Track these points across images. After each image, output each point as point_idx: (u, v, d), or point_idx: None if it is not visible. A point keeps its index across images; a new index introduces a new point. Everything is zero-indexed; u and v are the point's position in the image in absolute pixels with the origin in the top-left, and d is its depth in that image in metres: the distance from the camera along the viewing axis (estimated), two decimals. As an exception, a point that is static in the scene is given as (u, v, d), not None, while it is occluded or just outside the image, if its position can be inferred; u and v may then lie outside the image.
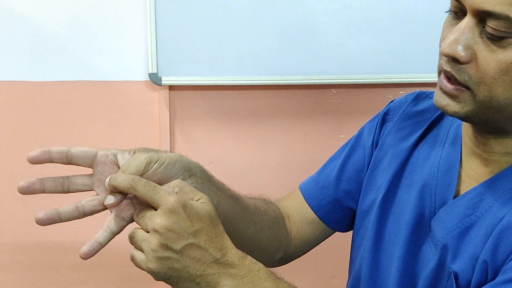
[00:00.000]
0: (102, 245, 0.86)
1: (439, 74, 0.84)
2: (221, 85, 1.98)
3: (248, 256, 0.83)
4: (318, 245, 1.18)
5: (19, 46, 1.90)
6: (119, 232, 0.87)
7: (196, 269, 0.80)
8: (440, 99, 0.84)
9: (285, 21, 1.93)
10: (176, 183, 0.84)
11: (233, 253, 0.82)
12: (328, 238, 1.18)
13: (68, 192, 0.88)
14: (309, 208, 1.12)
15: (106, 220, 0.87)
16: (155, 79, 1.91)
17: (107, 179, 0.84)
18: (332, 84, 2.04)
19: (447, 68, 0.81)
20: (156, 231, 0.79)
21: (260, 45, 1.93)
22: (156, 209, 0.81)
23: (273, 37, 1.93)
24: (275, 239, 1.09)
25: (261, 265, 0.84)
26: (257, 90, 2.02)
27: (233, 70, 1.94)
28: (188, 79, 1.94)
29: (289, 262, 1.14)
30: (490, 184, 0.87)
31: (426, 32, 1.96)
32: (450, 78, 0.82)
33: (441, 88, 0.84)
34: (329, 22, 1.94)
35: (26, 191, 0.85)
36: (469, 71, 0.80)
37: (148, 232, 0.80)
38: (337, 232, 1.17)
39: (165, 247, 0.79)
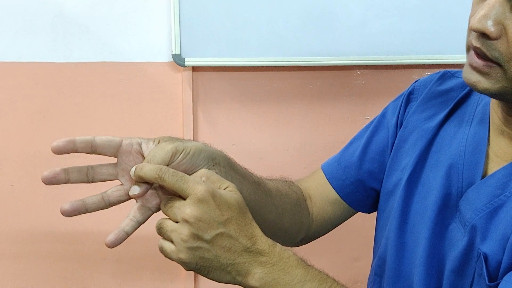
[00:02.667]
0: (128, 234, 0.85)
1: (468, 51, 0.82)
2: (244, 66, 1.97)
3: (278, 243, 0.83)
4: (341, 228, 1.18)
5: (41, 27, 1.90)
6: (144, 221, 0.87)
7: (227, 258, 0.80)
8: (470, 76, 0.82)
9: (308, 1, 1.90)
10: (202, 172, 0.84)
11: (263, 241, 0.81)
12: (351, 220, 1.17)
13: (92, 181, 0.88)
14: (332, 188, 1.11)
15: (132, 210, 0.87)
16: (178, 60, 1.90)
17: (133, 169, 0.83)
18: (356, 65, 2.01)
19: (477, 44, 0.79)
20: (186, 221, 0.78)
21: (284, 26, 1.91)
22: (184, 199, 0.80)
23: (296, 17, 1.91)
24: (296, 221, 1.08)
25: (291, 252, 0.83)
26: (280, 72, 2.00)
27: (257, 51, 1.93)
28: (211, 60, 1.93)
29: (310, 241, 1.13)
30: None
31: (452, 12, 1.93)
32: (480, 54, 0.80)
33: (470, 65, 0.81)
34: (353, 1, 1.91)
35: (50, 181, 0.84)
36: (499, 47, 0.78)
37: (177, 222, 0.80)
38: (359, 215, 1.16)
39: (196, 237, 0.78)
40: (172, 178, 0.80)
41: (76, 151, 0.84)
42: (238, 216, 0.80)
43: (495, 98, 0.86)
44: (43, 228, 2.00)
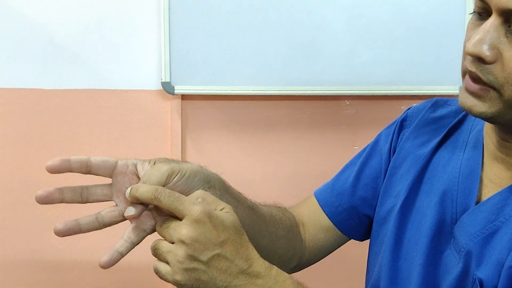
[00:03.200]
0: (122, 255, 0.84)
1: (464, 76, 0.83)
2: (233, 95, 1.97)
3: (274, 266, 0.82)
4: (331, 257, 1.17)
5: (32, 54, 1.90)
6: (139, 243, 0.86)
7: (223, 281, 0.79)
8: (466, 100, 0.82)
9: (298, 31, 1.92)
10: (199, 193, 0.83)
11: (259, 263, 0.81)
12: (341, 249, 1.16)
13: (86, 202, 0.87)
14: (325, 215, 1.11)
15: (126, 231, 0.86)
16: (168, 88, 1.90)
17: (128, 190, 0.83)
18: (345, 95, 2.02)
19: (472, 68, 0.80)
20: (182, 241, 0.77)
21: (274, 55, 1.93)
22: (180, 220, 0.79)
23: (286, 47, 1.92)
24: (289, 247, 1.07)
25: (287, 275, 0.83)
26: (270, 101, 2.01)
27: (246, 80, 1.93)
28: (201, 89, 1.93)
29: (304, 269, 1.12)
30: None
31: (440, 43, 1.95)
32: (475, 79, 0.80)
33: (466, 89, 0.82)
34: (343, 32, 1.93)
35: (44, 201, 0.83)
36: (494, 71, 0.78)
37: (173, 243, 0.79)
38: (349, 244, 1.15)
39: (192, 258, 0.77)
40: (168, 198, 0.79)
41: (71, 171, 0.83)
42: (234, 237, 0.79)
43: (491, 122, 0.86)
44: (29, 257, 1.97)
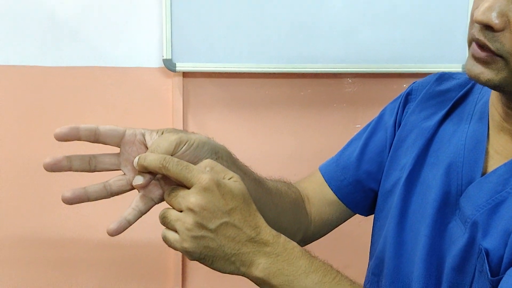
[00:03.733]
0: (130, 223, 0.84)
1: (470, 44, 0.82)
2: (235, 73, 1.96)
3: (282, 234, 0.83)
4: (331, 235, 1.18)
5: (32, 31, 1.89)
6: (146, 211, 0.86)
7: (231, 248, 0.79)
8: (473, 68, 0.82)
9: (300, 9, 1.91)
10: (207, 162, 0.83)
11: (267, 232, 0.81)
12: (341, 227, 1.17)
13: (94, 171, 0.87)
14: (330, 189, 1.11)
15: (134, 199, 0.86)
16: (169, 65, 1.89)
17: (136, 159, 0.83)
18: (347, 73, 2.02)
19: (480, 37, 0.80)
20: (190, 209, 0.78)
21: (275, 33, 1.92)
22: (188, 188, 0.79)
23: (288, 24, 1.91)
24: (295, 221, 1.08)
25: (295, 243, 0.83)
26: (271, 78, 2.00)
27: (248, 58, 1.92)
28: (202, 66, 1.92)
29: (309, 243, 1.13)
30: None
31: (443, 21, 1.94)
32: (483, 47, 0.80)
33: (473, 56, 0.82)
34: (345, 9, 1.92)
35: (52, 168, 0.83)
36: (502, 40, 0.78)
37: (181, 211, 0.79)
38: (349, 222, 1.16)
39: (200, 226, 0.78)
40: (176, 167, 0.79)
41: (79, 139, 0.83)
42: (242, 206, 0.80)
43: (497, 90, 0.86)
44: (29, 234, 1.98)
